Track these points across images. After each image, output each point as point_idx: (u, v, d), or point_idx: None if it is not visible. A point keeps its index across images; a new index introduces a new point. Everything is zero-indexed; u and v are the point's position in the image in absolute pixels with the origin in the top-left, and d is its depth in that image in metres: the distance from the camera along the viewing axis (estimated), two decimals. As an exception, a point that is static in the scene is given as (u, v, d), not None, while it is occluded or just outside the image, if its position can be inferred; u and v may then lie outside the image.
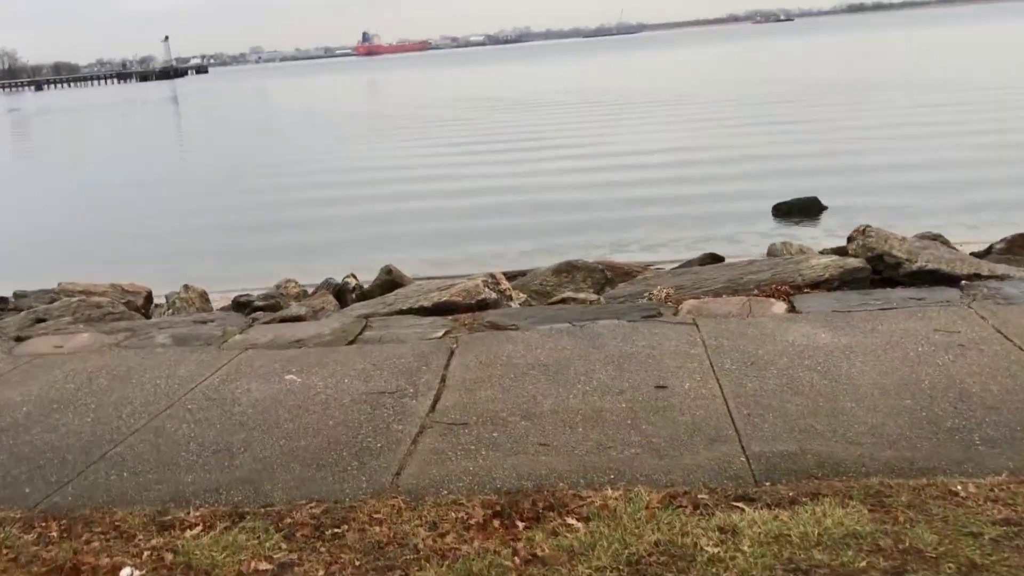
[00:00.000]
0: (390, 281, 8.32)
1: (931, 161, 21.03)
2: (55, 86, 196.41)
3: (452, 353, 5.56)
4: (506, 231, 16.50)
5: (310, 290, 9.79)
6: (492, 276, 7.31)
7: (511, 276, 9.01)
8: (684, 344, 5.33)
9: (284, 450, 4.30)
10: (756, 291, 6.31)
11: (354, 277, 9.19)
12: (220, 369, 5.60)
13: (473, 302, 6.66)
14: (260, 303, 8.79)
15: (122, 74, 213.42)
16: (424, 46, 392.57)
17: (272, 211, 20.64)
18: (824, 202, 17.81)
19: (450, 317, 6.43)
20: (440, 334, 6.00)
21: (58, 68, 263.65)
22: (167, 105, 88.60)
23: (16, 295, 10.03)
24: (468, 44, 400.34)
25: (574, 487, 3.65)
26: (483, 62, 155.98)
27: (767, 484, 3.56)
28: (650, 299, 6.48)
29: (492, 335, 5.88)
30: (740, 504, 3.37)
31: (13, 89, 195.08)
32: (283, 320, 7.27)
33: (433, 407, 4.70)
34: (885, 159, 21.66)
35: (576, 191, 20.22)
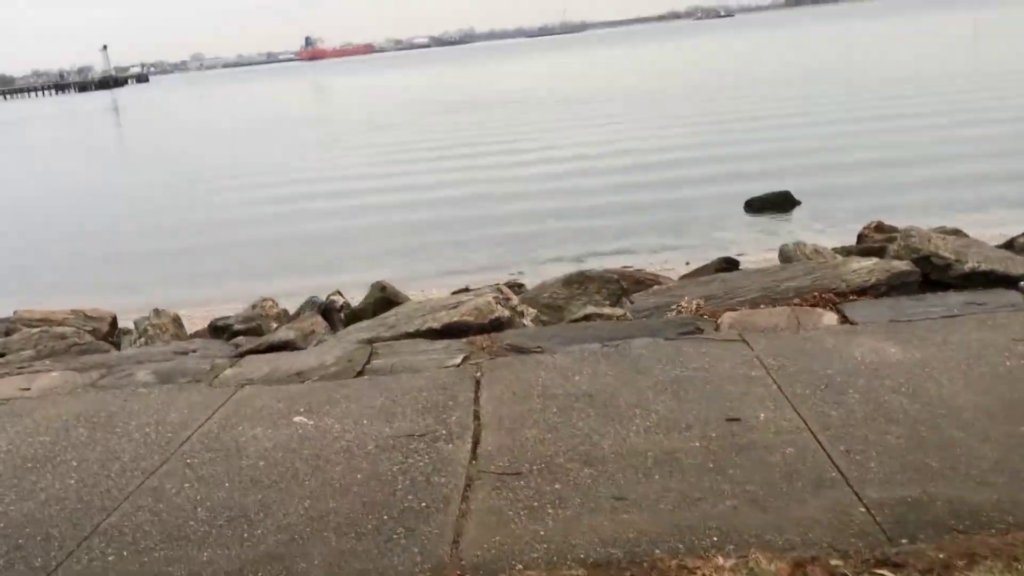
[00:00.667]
0: (384, 299, 7.68)
1: (893, 153, 20.88)
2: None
3: (478, 384, 4.96)
4: (471, 241, 15.89)
5: (291, 310, 9.11)
6: (500, 291, 6.71)
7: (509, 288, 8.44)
8: (740, 365, 4.79)
9: (311, 514, 3.67)
10: (797, 300, 5.80)
11: (340, 295, 8.53)
12: (216, 412, 4.94)
13: (486, 321, 6.06)
14: (240, 326, 8.10)
15: (60, 85, 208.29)
16: (368, 49, 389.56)
17: (231, 227, 19.81)
18: (796, 196, 17.49)
19: (464, 340, 5.82)
20: (458, 361, 5.39)
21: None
22: (108, 115, 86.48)
23: (-28, 323, 9.20)
24: (412, 46, 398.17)
25: (674, 554, 3.08)
26: (428, 64, 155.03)
27: (904, 543, 3.01)
28: (679, 312, 5.93)
29: (518, 360, 5.29)
30: (885, 572, 2.82)
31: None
32: (271, 347, 6.61)
33: (474, 452, 4.09)
34: (846, 152, 21.48)
35: (534, 195, 19.70)
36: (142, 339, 7.91)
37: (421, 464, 4.02)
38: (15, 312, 9.03)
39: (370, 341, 6.11)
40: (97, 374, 5.88)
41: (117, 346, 8.22)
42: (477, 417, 4.49)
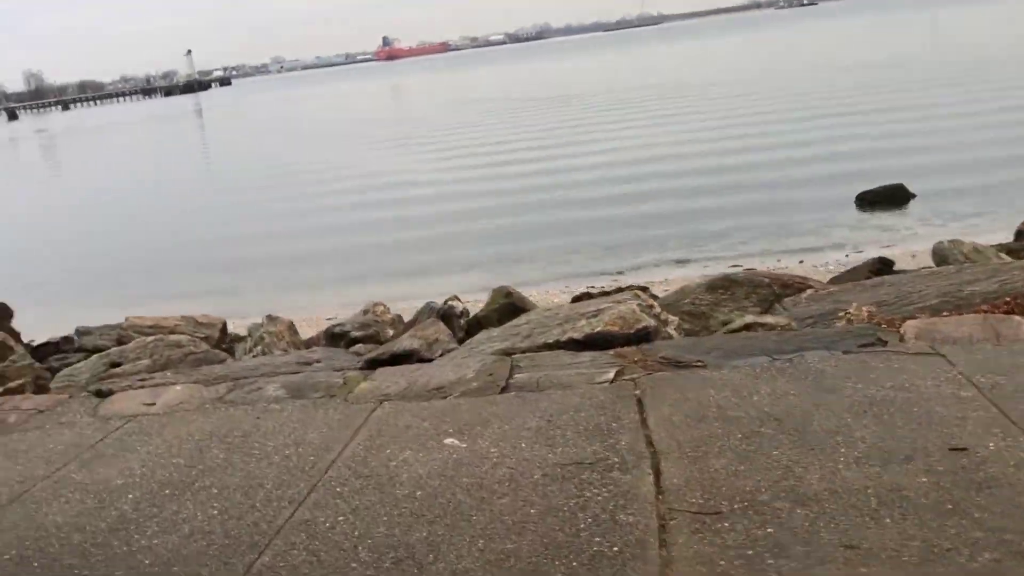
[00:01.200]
0: (509, 305, 7.28)
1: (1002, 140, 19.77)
2: (81, 104, 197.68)
3: (641, 403, 4.52)
4: (572, 244, 15.44)
5: (405, 316, 8.79)
6: (640, 297, 6.25)
7: (601, 293, 7.98)
8: (945, 384, 4.24)
9: (487, 556, 3.27)
10: (986, 306, 5.21)
11: (458, 300, 8.16)
12: (358, 432, 4.59)
13: (632, 332, 5.61)
14: (358, 333, 7.81)
15: (147, 89, 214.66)
16: (444, 48, 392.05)
17: (320, 231, 19.80)
18: (911, 189, 16.63)
19: (612, 352, 5.38)
20: (611, 376, 4.95)
21: (83, 86, 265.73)
22: (193, 119, 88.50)
23: (79, 332, 9.12)
24: (488, 44, 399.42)
25: (943, 623, 2.59)
26: (505, 61, 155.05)
27: None
28: (849, 320, 5.39)
29: (679, 376, 4.83)
30: None
31: (40, 110, 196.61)
32: (395, 357, 6.27)
33: (658, 485, 3.65)
34: (956, 143, 20.42)
35: (637, 192, 19.16)
36: (258, 347, 7.66)
37: (600, 498, 3.59)
38: (126, 319, 8.90)
39: (507, 353, 5.71)
40: (224, 388, 5.60)
41: (231, 353, 8.01)
42: (650, 443, 4.05)
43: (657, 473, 3.75)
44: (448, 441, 4.34)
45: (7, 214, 29.84)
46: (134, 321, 8.74)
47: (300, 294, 14.84)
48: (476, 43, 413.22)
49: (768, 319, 5.60)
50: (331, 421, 4.79)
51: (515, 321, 6.59)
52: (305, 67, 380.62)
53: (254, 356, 7.57)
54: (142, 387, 5.89)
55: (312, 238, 19.22)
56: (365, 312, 8.88)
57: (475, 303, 9.05)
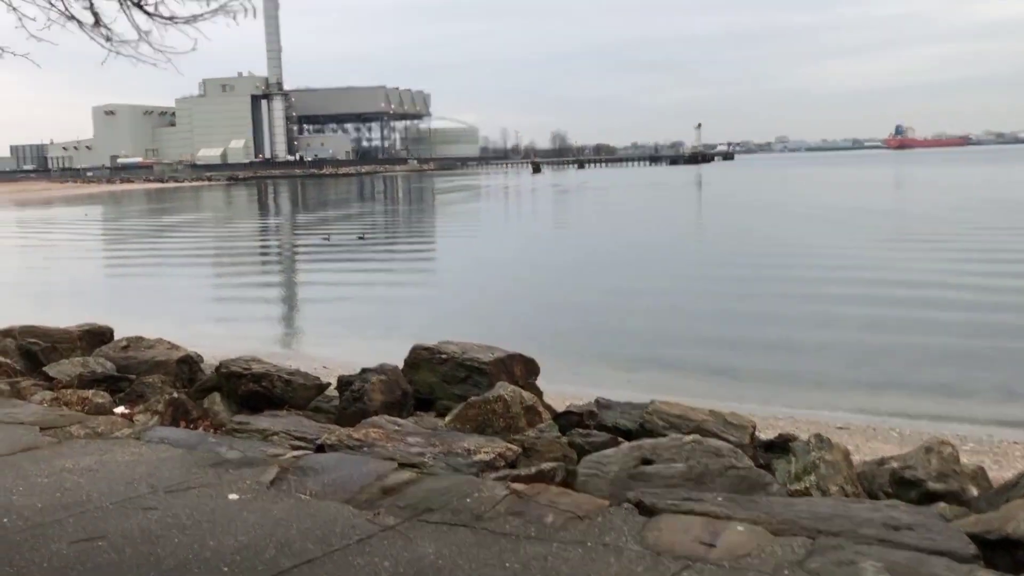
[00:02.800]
0: None
1: None
2: (594, 165, 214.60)
3: None
4: None
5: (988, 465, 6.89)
6: None
7: None
8: None
9: None
10: None
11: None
12: None
13: None
14: (936, 486, 6.13)
15: (654, 157, 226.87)
16: (963, 141, 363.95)
17: (820, 320, 18.13)
18: None
19: None
20: None
21: (598, 149, 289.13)
22: (691, 188, 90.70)
23: (600, 404, 8.49)
24: (1017, 140, 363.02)
25: None
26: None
27: None
28: None
29: None
30: None
31: (560, 166, 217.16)
32: (1008, 540, 4.55)
33: None
34: None
35: None
36: (809, 478, 6.31)
37: None
38: (652, 402, 8.07)
39: None
40: (800, 546, 4.32)
41: (770, 470, 6.76)
42: None
43: None
44: None
45: (507, 259, 32.04)
46: (661, 407, 7.87)
47: (803, 392, 13.35)
48: (1002, 139, 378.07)
49: None
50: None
51: None
52: (809, 148, 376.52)
53: (803, 487, 6.25)
54: (691, 512, 4.84)
55: (808, 327, 17.66)
56: (928, 451, 7.12)
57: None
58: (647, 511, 4.90)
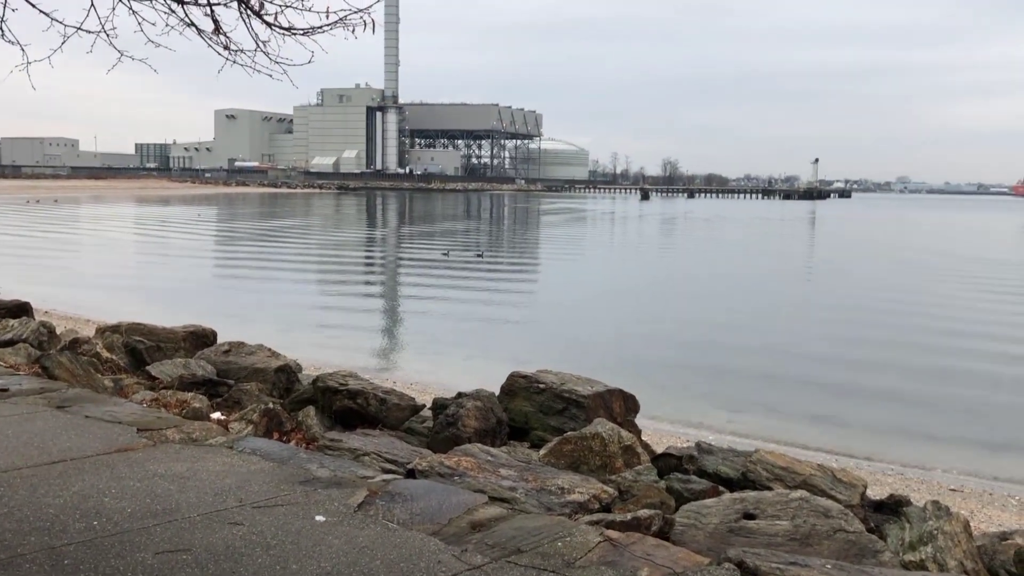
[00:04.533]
0: None
1: None
2: (704, 195, 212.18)
3: None
4: None
5: None
6: None
7: None
8: None
9: None
10: None
11: None
12: None
13: None
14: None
15: (766, 191, 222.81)
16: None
17: (932, 374, 17.29)
18: None
19: None
20: None
21: (710, 179, 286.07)
22: (803, 225, 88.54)
23: (701, 449, 8.19)
24: None
25: None
26: None
27: None
28: None
29: None
30: None
31: (669, 194, 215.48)
32: None
33: None
34: None
35: None
36: (926, 548, 5.89)
37: None
38: (756, 451, 7.74)
39: None
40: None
41: (881, 535, 6.37)
42: None
43: None
44: None
45: (611, 286, 31.70)
46: (766, 457, 7.53)
47: (915, 447, 12.72)
48: None
49: None
50: None
51: None
52: (931, 191, 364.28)
53: (918, 559, 5.84)
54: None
55: (922, 378, 16.91)
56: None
57: None
58: (749, 573, 4.62)
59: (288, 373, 10.02)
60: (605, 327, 22.21)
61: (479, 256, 41.18)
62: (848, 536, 5.81)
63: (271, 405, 7.84)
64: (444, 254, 41.10)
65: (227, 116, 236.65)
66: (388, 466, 6.43)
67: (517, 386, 8.79)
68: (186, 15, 5.26)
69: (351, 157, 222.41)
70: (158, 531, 4.70)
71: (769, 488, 6.65)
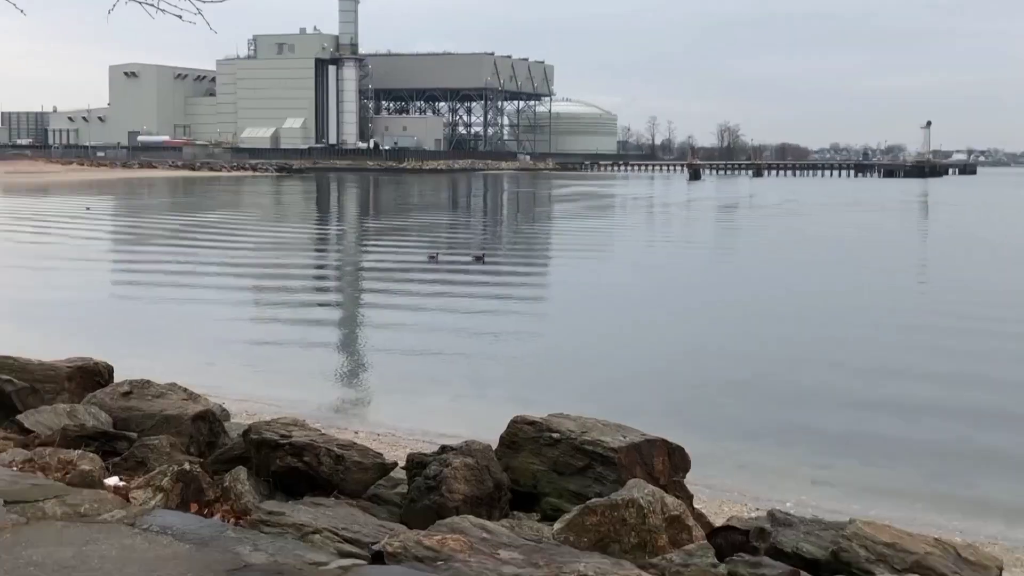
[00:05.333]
0: None
1: None
2: (777, 173, 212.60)
3: None
4: None
5: None
6: None
7: None
8: None
9: None
10: None
11: None
12: None
13: None
14: None
15: (861, 166, 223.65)
16: None
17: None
18: None
19: None
20: None
21: (783, 151, 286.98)
22: (910, 213, 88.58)
23: (775, 520, 8.20)
24: None
25: None
26: None
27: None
28: None
29: None
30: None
31: (728, 172, 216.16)
32: None
33: None
34: None
35: None
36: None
37: None
38: (852, 522, 7.75)
39: None
40: None
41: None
42: None
43: None
44: None
45: (646, 300, 31.81)
46: (864, 530, 7.53)
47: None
48: None
49: None
50: None
51: None
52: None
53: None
54: None
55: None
56: None
57: None
58: None
59: (211, 422, 10.03)
60: (640, 356, 22.26)
61: (480, 260, 40.93)
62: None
63: (187, 466, 7.86)
64: (431, 258, 41.08)
65: (126, 74, 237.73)
66: (347, 547, 6.46)
67: (522, 436, 8.81)
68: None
69: (295, 128, 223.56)
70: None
71: (871, 573, 6.69)
